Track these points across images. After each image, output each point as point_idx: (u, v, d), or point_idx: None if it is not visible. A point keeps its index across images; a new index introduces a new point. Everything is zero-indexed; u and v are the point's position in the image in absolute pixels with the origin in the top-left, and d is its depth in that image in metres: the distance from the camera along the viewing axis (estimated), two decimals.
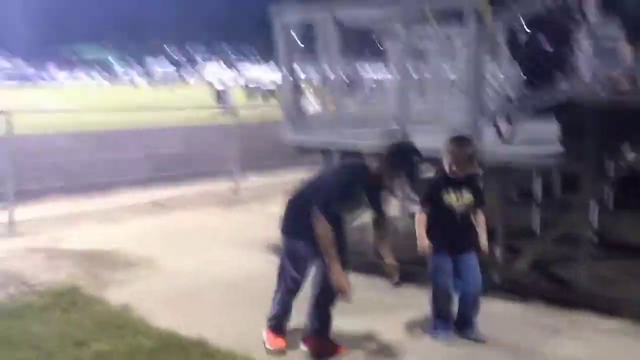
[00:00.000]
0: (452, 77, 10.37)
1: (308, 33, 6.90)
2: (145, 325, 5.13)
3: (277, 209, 9.35)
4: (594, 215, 7.17)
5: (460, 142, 4.88)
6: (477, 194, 4.93)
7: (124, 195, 9.92)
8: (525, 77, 6.38)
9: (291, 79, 6.90)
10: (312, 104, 7.93)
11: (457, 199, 4.81)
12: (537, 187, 8.16)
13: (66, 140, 11.08)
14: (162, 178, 10.89)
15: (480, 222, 4.96)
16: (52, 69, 64.61)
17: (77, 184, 9.85)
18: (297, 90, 7.01)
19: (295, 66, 6.93)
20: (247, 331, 5.07)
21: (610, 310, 5.47)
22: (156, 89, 41.39)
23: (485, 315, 5.49)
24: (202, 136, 12.00)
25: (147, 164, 10.93)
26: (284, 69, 6.93)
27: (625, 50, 5.80)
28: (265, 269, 6.63)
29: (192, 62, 67.30)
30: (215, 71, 29.13)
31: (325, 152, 6.92)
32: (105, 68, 76.09)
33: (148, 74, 54.14)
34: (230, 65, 42.22)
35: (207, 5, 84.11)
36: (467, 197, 4.84)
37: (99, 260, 6.96)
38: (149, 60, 61.12)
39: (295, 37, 6.89)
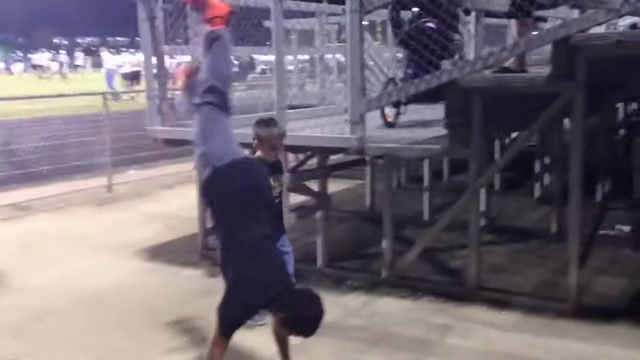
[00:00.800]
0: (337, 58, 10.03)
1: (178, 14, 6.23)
2: None
3: (155, 206, 8.81)
4: (481, 200, 6.97)
5: (267, 124, 4.62)
6: (282, 177, 4.87)
7: None
8: (409, 58, 6.02)
9: (155, 63, 6.19)
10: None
11: (274, 183, 4.59)
12: (426, 172, 7.91)
13: None
14: (25, 177, 9.82)
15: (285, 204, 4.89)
16: None
17: None
18: (163, 76, 6.31)
19: (161, 50, 6.23)
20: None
21: (500, 302, 5.23)
22: (45, 78, 39.28)
23: (372, 314, 5.14)
24: (76, 126, 10.99)
25: (7, 161, 9.82)
26: (147, 53, 6.23)
27: (513, 27, 5.52)
28: (134, 279, 6.03)
29: (85, 52, 63.69)
30: (107, 58, 28.07)
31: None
32: None
33: (36, 65, 50.94)
34: (117, 52, 41.20)
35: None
36: (280, 180, 4.75)
37: None
38: (38, 51, 57.70)
39: (160, 19, 6.19)
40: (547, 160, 8.27)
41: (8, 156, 9.94)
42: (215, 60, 3.88)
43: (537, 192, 8.49)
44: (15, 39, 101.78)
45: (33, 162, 10.12)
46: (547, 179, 8.49)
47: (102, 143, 10.00)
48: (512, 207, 7.75)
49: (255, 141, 4.53)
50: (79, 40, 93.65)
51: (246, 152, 3.91)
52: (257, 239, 3.73)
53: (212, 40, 3.86)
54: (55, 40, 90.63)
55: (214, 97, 3.77)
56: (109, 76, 25.67)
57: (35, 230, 7.76)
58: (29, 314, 5.20)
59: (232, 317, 3.73)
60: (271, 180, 4.49)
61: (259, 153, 4.56)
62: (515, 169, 8.66)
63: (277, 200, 4.68)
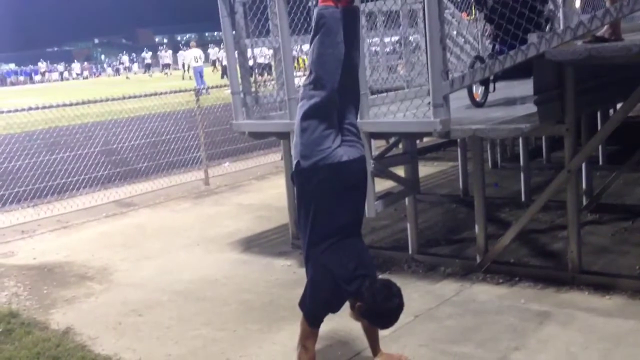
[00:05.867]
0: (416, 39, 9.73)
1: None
2: (84, 355, 4.57)
3: (248, 197, 8.96)
4: (582, 177, 6.60)
5: None
6: None
7: (82, 197, 9.22)
8: (494, 33, 5.74)
9: (236, 58, 6.23)
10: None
11: None
12: (522, 151, 7.57)
13: (15, 142, 10.25)
14: (125, 174, 10.20)
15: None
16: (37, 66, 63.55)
17: (30, 189, 9.18)
18: (246, 70, 6.35)
19: (243, 44, 6.27)
20: (202, 356, 4.51)
21: (604, 286, 4.92)
22: (150, 77, 41.28)
23: (465, 302, 4.96)
24: (171, 123, 11.33)
25: (108, 160, 10.23)
26: (229, 48, 6.28)
27: None
28: (229, 271, 6.13)
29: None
30: (194, 53, 28.57)
31: (283, 136, 6.32)
32: (93, 63, 75.40)
33: (142, 64, 53.59)
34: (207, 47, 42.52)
35: None
36: None
37: (49, 275, 6.40)
38: (142, 51, 60.49)
39: (240, 13, 6.22)
40: None
41: (107, 155, 10.34)
42: (320, 50, 3.61)
43: None
44: (120, 40, 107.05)
45: (133, 159, 10.53)
46: None
47: (197, 137, 10.31)
48: (617, 184, 7.27)
49: None
50: (178, 37, 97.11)
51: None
52: (342, 232, 3.69)
53: (318, 27, 3.60)
54: (157, 39, 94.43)
55: (316, 92, 3.60)
56: (197, 72, 26.23)
57: (137, 226, 8.06)
58: (131, 309, 5.39)
59: (316, 309, 3.72)
60: None
61: None
62: (621, 142, 8.15)
63: None
